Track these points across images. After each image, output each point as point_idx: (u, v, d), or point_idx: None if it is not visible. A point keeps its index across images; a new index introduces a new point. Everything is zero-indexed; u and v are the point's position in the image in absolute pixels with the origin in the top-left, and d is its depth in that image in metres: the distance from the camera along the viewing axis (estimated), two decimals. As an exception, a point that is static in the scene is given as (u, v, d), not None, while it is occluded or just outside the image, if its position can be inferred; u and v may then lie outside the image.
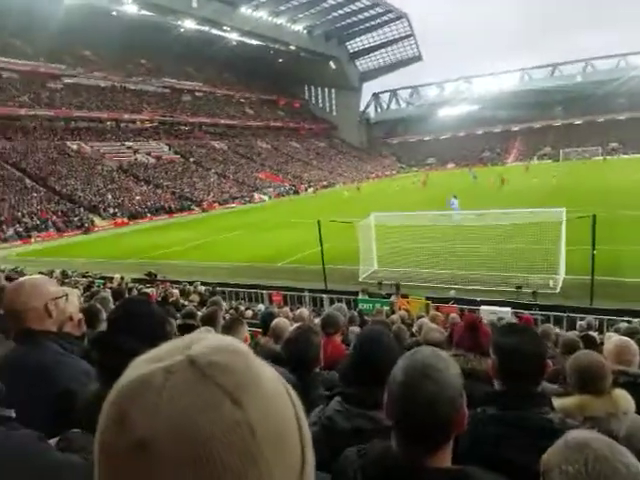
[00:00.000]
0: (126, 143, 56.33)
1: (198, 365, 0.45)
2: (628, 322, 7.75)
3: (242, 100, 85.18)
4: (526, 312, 9.58)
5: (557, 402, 2.26)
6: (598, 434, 1.26)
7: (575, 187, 36.31)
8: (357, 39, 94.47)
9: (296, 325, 2.65)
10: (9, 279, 6.39)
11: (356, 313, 7.75)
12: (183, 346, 0.48)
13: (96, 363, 1.80)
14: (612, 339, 3.28)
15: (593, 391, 2.18)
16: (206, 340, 0.49)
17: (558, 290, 13.06)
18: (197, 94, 76.55)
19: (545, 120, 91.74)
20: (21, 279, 1.99)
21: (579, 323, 8.31)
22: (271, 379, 0.50)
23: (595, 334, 5.98)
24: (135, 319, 1.88)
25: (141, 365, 0.47)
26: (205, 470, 0.41)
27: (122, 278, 14.05)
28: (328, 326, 3.74)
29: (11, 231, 31.43)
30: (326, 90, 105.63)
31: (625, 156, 71.08)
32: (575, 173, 50.09)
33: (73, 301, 2.35)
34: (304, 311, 7.33)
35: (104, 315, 3.58)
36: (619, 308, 10.23)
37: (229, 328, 3.46)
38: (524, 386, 1.70)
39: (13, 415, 1.20)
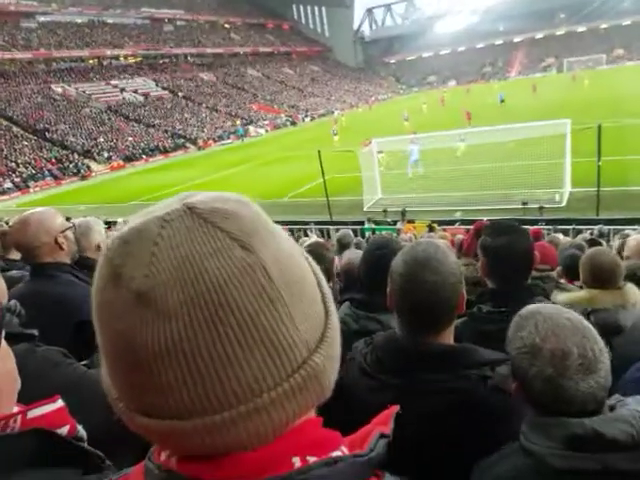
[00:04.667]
0: (111, 82, 54.09)
1: (198, 212, 0.41)
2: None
3: (227, 26, 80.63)
4: (532, 227, 9.55)
5: (567, 296, 2.26)
6: (548, 304, 1.32)
7: (581, 98, 35.06)
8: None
9: (306, 244, 2.71)
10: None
11: (363, 240, 7.73)
12: (180, 198, 0.44)
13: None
14: (632, 237, 3.29)
15: (603, 285, 2.19)
16: (205, 193, 0.45)
17: (564, 204, 13.01)
18: (179, 23, 72.59)
19: (547, 29, 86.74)
20: (26, 214, 1.93)
21: (588, 232, 8.28)
22: (280, 229, 0.46)
23: (603, 241, 5.96)
24: None
25: (133, 219, 0.43)
26: (218, 314, 0.39)
27: (125, 222, 14.02)
28: (346, 244, 4.54)
29: (8, 183, 31.05)
30: (316, 9, 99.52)
31: (630, 63, 67.68)
32: (573, 84, 48.07)
33: (100, 230, 2.49)
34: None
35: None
36: (625, 217, 10.21)
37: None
38: (514, 283, 1.73)
39: (36, 333, 1.23)
